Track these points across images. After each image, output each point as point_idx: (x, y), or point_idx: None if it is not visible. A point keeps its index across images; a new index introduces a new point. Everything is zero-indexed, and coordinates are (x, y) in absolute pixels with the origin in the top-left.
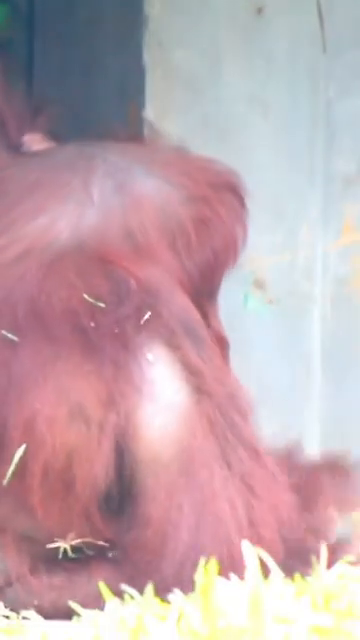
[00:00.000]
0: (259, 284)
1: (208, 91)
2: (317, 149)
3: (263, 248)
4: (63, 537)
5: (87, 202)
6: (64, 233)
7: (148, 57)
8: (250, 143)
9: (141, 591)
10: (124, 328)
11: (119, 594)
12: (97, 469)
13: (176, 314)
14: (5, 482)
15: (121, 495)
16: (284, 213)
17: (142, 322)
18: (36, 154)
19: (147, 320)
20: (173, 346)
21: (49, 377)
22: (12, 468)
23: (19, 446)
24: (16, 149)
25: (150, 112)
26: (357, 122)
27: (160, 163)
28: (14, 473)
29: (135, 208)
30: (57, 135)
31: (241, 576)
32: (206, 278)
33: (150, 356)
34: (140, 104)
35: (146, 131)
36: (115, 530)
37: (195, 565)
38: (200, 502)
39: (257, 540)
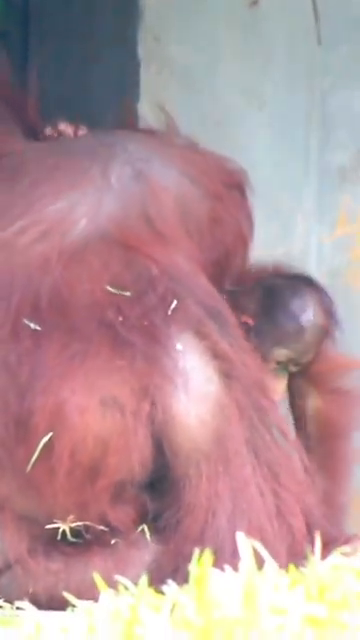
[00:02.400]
0: None
1: (204, 84)
2: (312, 142)
3: (258, 240)
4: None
5: (105, 188)
6: (83, 219)
7: (143, 51)
8: (246, 136)
9: (183, 578)
10: (152, 320)
11: (114, 583)
12: (132, 456)
13: (201, 299)
14: (29, 467)
15: (158, 482)
16: (279, 205)
17: (169, 312)
18: (55, 140)
19: (174, 309)
20: (201, 334)
21: (78, 371)
22: (37, 453)
23: (44, 433)
24: (34, 135)
25: (145, 105)
26: (352, 115)
27: (178, 157)
28: (38, 458)
29: (154, 196)
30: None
31: (279, 565)
32: (216, 275)
33: (180, 346)
34: (135, 98)
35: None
36: (153, 516)
37: (232, 551)
38: (235, 489)
39: (286, 529)
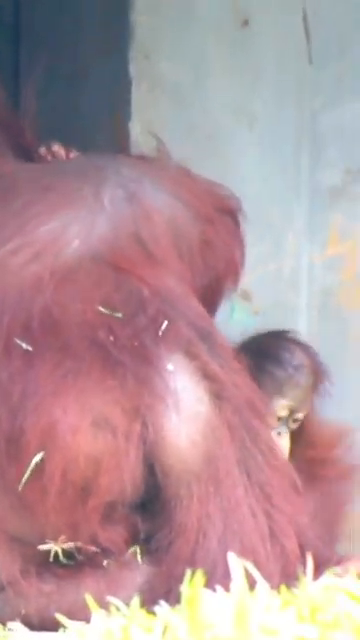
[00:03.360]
0: (245, 295)
1: (194, 102)
2: (303, 160)
3: (249, 259)
4: (58, 538)
5: (98, 209)
6: (76, 240)
7: (134, 68)
8: (236, 154)
9: (175, 599)
10: (143, 340)
11: (106, 604)
12: (124, 477)
13: (192, 321)
14: (20, 487)
15: (150, 503)
16: (270, 224)
17: (160, 333)
18: (47, 161)
19: (165, 330)
20: (191, 355)
21: (70, 390)
22: (28, 474)
23: (35, 452)
24: (27, 155)
25: (136, 123)
26: (343, 133)
27: (170, 180)
28: (29, 477)
29: (146, 218)
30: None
31: (270, 585)
32: (206, 299)
33: (170, 366)
34: (126, 115)
35: (132, 141)
36: (145, 537)
37: (223, 573)
38: (226, 511)
39: (279, 550)
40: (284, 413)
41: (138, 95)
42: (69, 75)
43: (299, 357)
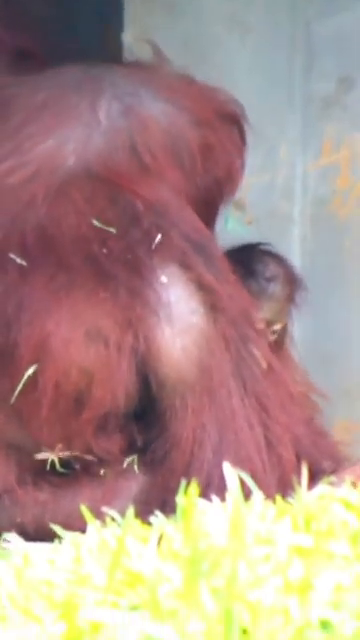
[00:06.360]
0: (239, 205)
1: (187, 12)
2: (296, 69)
3: None
4: (53, 449)
5: (94, 124)
6: (71, 157)
7: None
8: (229, 64)
9: (170, 509)
10: (136, 253)
11: (101, 514)
12: (116, 388)
13: (186, 233)
14: (13, 399)
15: (145, 415)
16: (263, 134)
17: (154, 246)
18: (41, 75)
19: (158, 243)
20: (186, 266)
21: (63, 302)
22: (20, 385)
23: (28, 364)
24: (17, 68)
25: (128, 34)
26: (336, 42)
27: (167, 88)
28: (22, 389)
29: (142, 129)
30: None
31: (267, 495)
32: (206, 205)
33: (164, 278)
34: (118, 26)
35: (125, 53)
36: (141, 447)
37: (219, 484)
38: (221, 421)
39: (276, 460)
40: (261, 326)
41: (130, 4)
42: None
43: (272, 269)
